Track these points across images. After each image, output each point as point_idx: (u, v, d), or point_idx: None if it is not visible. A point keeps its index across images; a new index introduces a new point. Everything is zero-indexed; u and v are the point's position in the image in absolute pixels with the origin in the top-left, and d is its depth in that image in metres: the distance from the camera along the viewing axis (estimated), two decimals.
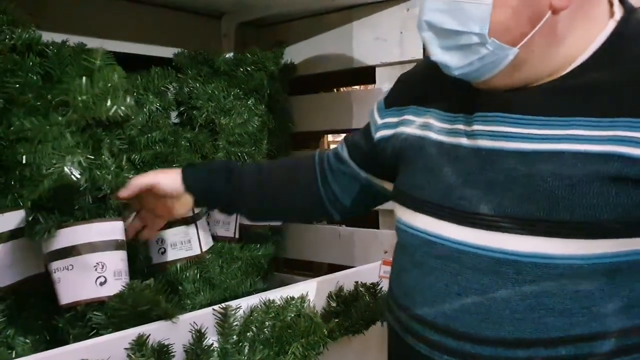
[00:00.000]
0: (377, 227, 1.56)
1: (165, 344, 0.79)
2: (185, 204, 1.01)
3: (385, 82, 1.51)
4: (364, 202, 1.01)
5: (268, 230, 1.64)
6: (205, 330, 0.87)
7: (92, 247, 0.98)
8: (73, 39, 1.18)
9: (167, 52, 1.53)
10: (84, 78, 1.01)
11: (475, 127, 0.73)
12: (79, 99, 1.00)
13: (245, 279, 1.56)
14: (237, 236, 1.58)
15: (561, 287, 0.65)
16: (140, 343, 0.76)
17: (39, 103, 1.01)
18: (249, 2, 1.54)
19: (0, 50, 1.01)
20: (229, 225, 1.57)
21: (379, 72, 1.52)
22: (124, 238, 1.02)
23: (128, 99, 1.01)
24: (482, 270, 0.68)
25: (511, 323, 0.66)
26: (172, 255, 1.40)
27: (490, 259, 0.68)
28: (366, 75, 1.56)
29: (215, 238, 1.52)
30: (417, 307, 0.74)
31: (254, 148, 1.59)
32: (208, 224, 1.52)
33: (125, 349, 0.76)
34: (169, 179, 0.98)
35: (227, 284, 1.49)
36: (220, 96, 1.51)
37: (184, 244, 1.42)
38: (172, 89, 1.42)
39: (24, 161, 0.96)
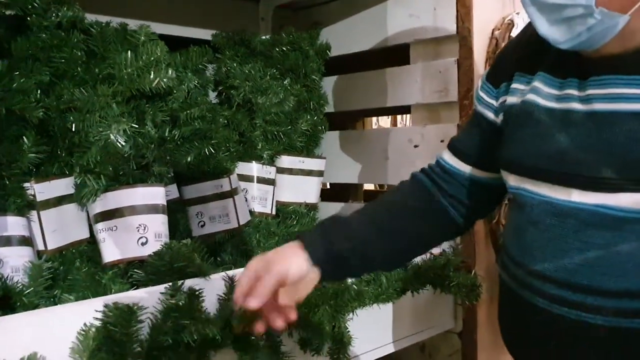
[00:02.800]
0: None
1: (196, 289, 0.83)
2: (310, 282, 0.81)
3: (419, 59, 1.52)
4: (487, 199, 0.96)
5: (304, 207, 1.67)
6: (237, 282, 0.91)
7: (135, 210, 1.04)
8: (115, 21, 1.25)
9: (206, 34, 1.59)
10: (129, 52, 1.07)
11: (590, 91, 0.72)
12: (124, 71, 1.07)
13: None
14: (273, 212, 1.62)
15: None
16: (175, 289, 0.81)
17: (86, 76, 1.07)
18: None
19: (47, 26, 1.08)
20: (266, 202, 1.61)
21: (413, 49, 1.53)
22: (165, 203, 1.07)
23: (170, 72, 1.07)
24: (604, 227, 0.70)
25: (636, 275, 0.68)
26: (210, 228, 1.45)
27: (613, 217, 0.69)
28: (400, 53, 1.57)
29: (252, 213, 1.57)
30: (536, 263, 0.75)
31: (290, 127, 1.63)
32: (246, 199, 1.56)
33: (161, 293, 0.81)
34: (294, 263, 0.78)
35: None
36: (257, 76, 1.55)
37: (222, 217, 1.47)
38: (210, 68, 1.47)
39: (73, 129, 1.04)
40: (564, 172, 0.73)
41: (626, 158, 0.68)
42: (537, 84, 0.79)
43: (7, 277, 0.94)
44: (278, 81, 1.59)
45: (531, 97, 0.78)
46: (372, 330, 1.20)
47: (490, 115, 0.88)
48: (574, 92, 0.74)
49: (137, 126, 1.07)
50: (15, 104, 0.94)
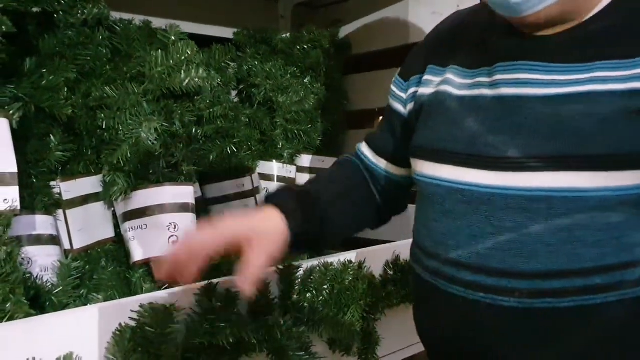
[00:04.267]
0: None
1: (233, 290, 0.82)
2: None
3: None
4: (402, 197, 1.03)
5: None
6: (269, 284, 0.90)
7: (166, 209, 1.03)
8: (138, 19, 1.24)
9: (226, 32, 1.58)
10: (159, 51, 1.06)
11: (497, 76, 0.75)
12: (155, 70, 1.06)
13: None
14: None
15: (592, 219, 0.67)
16: (208, 289, 0.80)
17: (115, 74, 1.07)
18: None
19: (73, 24, 1.07)
20: None
21: None
22: (194, 202, 1.06)
23: (201, 71, 1.06)
24: (514, 209, 0.70)
25: (545, 256, 0.68)
26: None
27: (521, 198, 0.70)
28: None
29: None
30: (450, 252, 0.76)
31: (310, 126, 1.61)
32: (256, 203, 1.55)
33: (194, 294, 0.79)
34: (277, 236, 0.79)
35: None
36: (278, 74, 1.54)
37: None
38: (232, 65, 1.46)
39: (103, 126, 1.03)
40: (471, 154, 0.74)
41: (531, 138, 0.69)
42: (449, 75, 0.81)
43: (37, 276, 0.93)
44: (298, 79, 1.58)
45: (443, 87, 0.81)
46: (399, 330, 1.19)
47: (399, 107, 0.92)
48: (484, 79, 0.76)
49: (167, 125, 1.06)
50: (44, 102, 0.93)
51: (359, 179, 0.98)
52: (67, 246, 1.07)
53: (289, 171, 1.60)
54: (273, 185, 1.57)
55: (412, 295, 0.91)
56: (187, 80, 1.06)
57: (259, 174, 1.52)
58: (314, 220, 0.86)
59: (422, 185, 0.82)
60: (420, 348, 1.27)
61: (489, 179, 0.72)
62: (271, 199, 0.85)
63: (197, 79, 1.07)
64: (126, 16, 1.23)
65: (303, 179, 1.63)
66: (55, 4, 1.00)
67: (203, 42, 1.47)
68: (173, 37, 1.10)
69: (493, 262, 0.71)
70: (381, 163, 0.97)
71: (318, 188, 0.92)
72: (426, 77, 0.85)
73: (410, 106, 0.88)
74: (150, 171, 1.05)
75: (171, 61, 1.07)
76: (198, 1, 1.55)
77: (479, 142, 0.74)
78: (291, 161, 1.60)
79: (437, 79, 0.83)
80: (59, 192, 1.07)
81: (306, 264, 1.02)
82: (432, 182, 0.79)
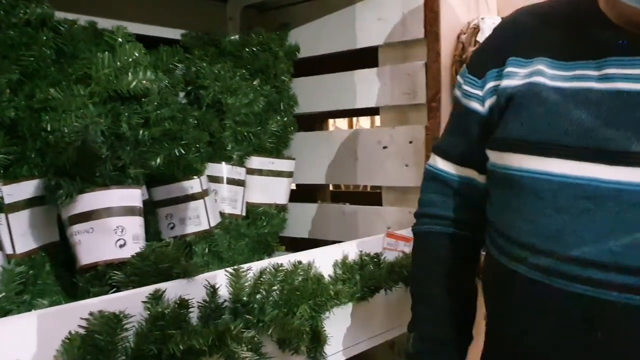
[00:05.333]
0: (380, 205, 1.60)
1: (186, 298, 0.82)
2: None
3: (387, 62, 1.55)
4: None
5: (274, 208, 1.68)
6: (218, 288, 0.91)
7: (112, 212, 1.02)
8: (83, 19, 1.22)
9: (175, 33, 1.57)
10: (106, 53, 1.05)
11: (610, 70, 0.74)
12: (101, 72, 1.04)
13: (252, 256, 1.60)
14: (243, 213, 1.62)
15: None
16: (156, 297, 0.80)
17: (60, 76, 1.05)
18: None
19: (15, 23, 1.05)
20: (236, 203, 1.61)
21: (381, 52, 1.56)
22: (142, 205, 1.06)
23: (148, 73, 1.05)
24: None
25: None
26: (181, 229, 1.44)
27: None
28: (369, 56, 1.59)
29: (222, 215, 1.56)
30: (570, 249, 0.72)
31: (259, 128, 1.63)
32: (215, 200, 1.55)
33: (143, 302, 0.80)
34: None
35: (234, 259, 1.52)
36: (227, 76, 1.54)
37: (193, 219, 1.45)
38: (180, 67, 1.45)
39: (49, 128, 1.01)
40: (589, 147, 0.72)
41: None
42: (539, 67, 0.79)
43: None
44: (248, 82, 1.59)
45: (536, 78, 0.79)
46: (346, 329, 1.22)
47: (476, 106, 0.88)
48: (589, 72, 0.75)
49: (114, 127, 1.05)
50: None
51: (459, 256, 0.94)
52: (9, 251, 1.05)
53: (239, 173, 1.60)
54: (222, 188, 1.57)
55: (494, 292, 0.87)
56: (134, 83, 1.06)
57: (208, 176, 1.52)
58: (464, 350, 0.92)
59: (522, 180, 0.78)
60: (365, 346, 1.31)
61: (613, 174, 0.70)
62: None
63: (144, 81, 1.06)
64: (71, 16, 1.21)
65: (253, 181, 1.64)
66: None
67: (150, 43, 1.45)
68: (120, 39, 1.09)
69: (630, 260, 0.69)
70: (470, 174, 0.93)
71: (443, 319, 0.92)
72: (508, 69, 0.82)
73: (490, 102, 0.85)
74: (97, 174, 1.04)
75: (118, 63, 1.06)
76: (145, 2, 1.54)
77: (595, 136, 0.71)
78: (241, 163, 1.61)
79: (524, 71, 0.81)
80: (0, 195, 1.04)
81: (256, 265, 1.04)
82: (538, 177, 0.76)
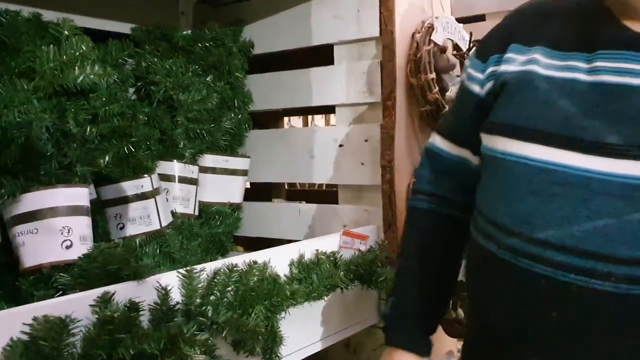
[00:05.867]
0: (336, 203, 1.59)
1: (136, 301, 0.79)
2: None
3: (343, 60, 1.54)
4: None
5: (228, 207, 1.65)
6: (170, 290, 0.88)
7: (58, 212, 0.98)
8: (27, 11, 1.16)
9: (125, 27, 1.52)
10: (51, 46, 1.00)
11: (598, 63, 0.76)
12: (47, 66, 1.00)
13: (206, 256, 1.57)
14: (196, 213, 1.59)
15: None
16: (105, 300, 0.76)
17: (2, 69, 0.99)
18: None
19: None
20: (188, 202, 1.57)
21: (337, 50, 1.55)
22: (89, 205, 1.02)
23: (96, 68, 1.01)
24: (615, 195, 0.71)
25: None
26: (131, 230, 1.39)
27: (623, 185, 0.71)
28: (325, 54, 1.58)
29: (174, 214, 1.52)
30: (537, 231, 0.75)
31: (213, 125, 1.59)
32: (167, 200, 1.51)
33: (90, 305, 0.76)
34: None
35: (187, 259, 1.49)
36: (179, 72, 1.51)
37: (143, 219, 1.41)
38: (129, 62, 1.40)
39: None
40: (565, 136, 0.75)
41: (634, 126, 0.72)
42: (536, 55, 0.82)
43: None
44: (200, 78, 1.56)
45: (531, 66, 0.82)
46: (301, 328, 1.21)
47: (475, 88, 0.91)
48: (580, 64, 0.78)
49: (59, 123, 1.00)
50: None
51: (441, 235, 0.98)
52: None
53: (191, 171, 1.56)
54: (174, 186, 1.53)
55: (472, 271, 0.90)
56: (81, 77, 1.02)
57: (159, 174, 1.48)
58: (433, 324, 0.98)
59: (503, 163, 0.81)
60: (321, 346, 1.30)
61: (585, 163, 0.73)
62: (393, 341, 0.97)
63: (92, 76, 1.02)
64: (13, 7, 1.15)
65: (206, 179, 1.61)
66: None
67: (98, 37, 1.40)
68: (66, 32, 1.04)
69: (589, 245, 0.71)
70: (464, 154, 0.96)
71: (419, 284, 0.97)
72: (508, 55, 0.85)
73: (488, 85, 0.88)
74: (42, 172, 0.99)
75: (64, 57, 1.02)
76: None
77: (574, 125, 0.74)
78: (193, 161, 1.57)
79: (522, 58, 0.83)
80: None
81: (209, 266, 1.01)
82: (517, 161, 0.78)
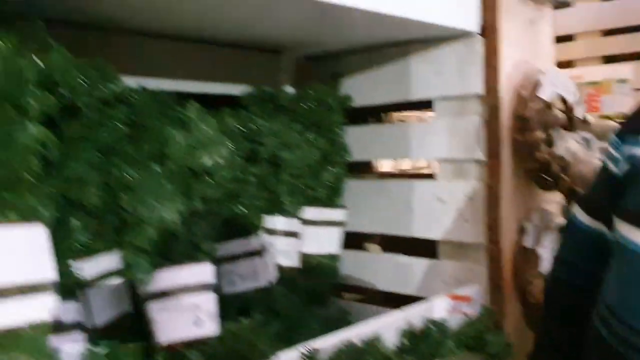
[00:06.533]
0: (435, 256, 1.59)
1: None
2: None
3: (444, 115, 1.54)
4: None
5: (327, 258, 1.68)
6: None
7: (188, 289, 1.04)
8: (142, 82, 1.23)
9: (232, 88, 1.59)
10: (180, 131, 1.07)
11: None
12: (176, 150, 1.06)
13: (308, 306, 1.60)
14: (299, 265, 1.63)
15: None
16: None
17: (135, 153, 1.07)
18: (308, 40, 1.58)
19: (93, 104, 1.07)
20: (291, 255, 1.62)
21: (437, 105, 1.56)
22: (215, 281, 1.07)
23: (223, 151, 1.06)
24: None
25: None
26: (241, 285, 1.45)
27: None
28: (424, 104, 1.59)
29: (279, 268, 1.57)
30: None
31: (313, 179, 1.63)
32: (272, 254, 1.56)
33: None
34: None
35: (291, 311, 1.53)
36: (283, 131, 1.56)
37: (252, 275, 1.47)
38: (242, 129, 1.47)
39: (126, 208, 1.02)
40: None
41: None
42: None
43: None
44: (303, 135, 1.60)
45: None
46: None
47: (613, 167, 0.91)
48: None
49: (187, 204, 1.07)
50: (73, 194, 0.93)
51: (570, 307, 0.99)
52: (89, 325, 1.07)
53: (294, 225, 1.61)
54: (278, 240, 1.58)
55: (585, 347, 0.91)
56: (208, 161, 1.08)
57: (264, 228, 1.53)
58: None
59: (627, 250, 0.81)
60: None
61: None
62: None
63: (218, 159, 1.08)
64: (130, 80, 1.22)
65: (308, 232, 1.65)
66: (74, 86, 0.99)
67: (203, 97, 1.48)
68: (193, 116, 1.11)
69: None
70: (599, 226, 0.97)
71: None
72: None
73: (625, 167, 0.87)
74: (173, 251, 1.06)
75: (193, 141, 1.08)
76: (198, 57, 1.55)
77: None
78: (295, 215, 1.62)
79: None
80: (78, 271, 1.06)
81: (325, 342, 1.04)
82: (635, 249, 0.78)
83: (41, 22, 0.86)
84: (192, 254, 1.07)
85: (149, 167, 1.06)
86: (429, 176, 1.60)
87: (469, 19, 1.40)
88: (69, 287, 1.02)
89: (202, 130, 1.09)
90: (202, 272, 1.07)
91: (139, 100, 1.19)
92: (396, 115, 1.96)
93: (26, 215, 0.75)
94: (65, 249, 1.02)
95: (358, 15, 1.14)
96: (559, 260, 1.06)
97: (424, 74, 1.57)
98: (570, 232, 1.05)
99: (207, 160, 1.07)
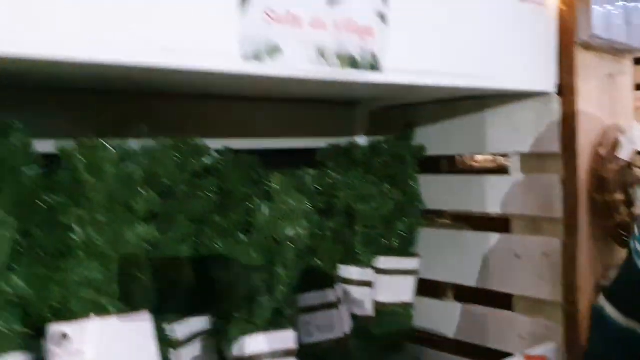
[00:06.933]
0: (510, 308, 1.59)
1: None
2: None
3: (519, 171, 1.54)
4: None
5: (401, 307, 1.71)
6: None
7: (270, 355, 1.10)
8: (221, 143, 1.31)
9: (306, 142, 1.66)
10: (265, 202, 1.14)
11: None
12: (262, 220, 1.13)
13: (383, 354, 1.64)
14: (373, 314, 1.67)
15: None
16: None
17: (225, 223, 1.15)
18: (385, 96, 1.63)
19: (185, 178, 1.16)
20: (365, 304, 1.66)
21: (513, 160, 1.56)
22: (297, 347, 1.14)
23: (305, 223, 1.12)
24: None
25: None
26: (318, 336, 1.51)
27: None
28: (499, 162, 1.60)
29: (354, 317, 1.62)
30: None
31: (387, 230, 1.67)
32: (347, 303, 1.61)
33: None
34: None
35: None
36: (358, 184, 1.61)
37: (328, 326, 1.52)
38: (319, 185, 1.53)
39: (215, 277, 1.10)
40: None
41: None
42: None
43: None
44: (377, 187, 1.64)
45: None
46: None
47: (638, 262, 0.90)
48: None
49: (272, 271, 1.13)
50: (170, 273, 1.02)
51: None
52: None
53: (368, 275, 1.65)
54: (352, 290, 1.63)
55: None
56: (292, 232, 1.14)
57: (339, 278, 1.59)
58: None
59: None
60: None
61: None
62: None
63: (301, 230, 1.14)
64: (211, 142, 1.29)
65: (382, 280, 1.69)
66: (176, 174, 1.08)
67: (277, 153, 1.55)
68: (278, 187, 1.18)
69: None
70: (631, 325, 0.95)
71: None
72: None
73: None
74: (258, 317, 1.12)
75: (277, 213, 1.15)
76: (273, 113, 1.63)
77: None
78: (369, 265, 1.66)
79: None
80: (171, 333, 1.15)
81: None
82: None
83: (144, 126, 0.94)
84: (275, 320, 1.14)
85: (236, 236, 1.14)
86: (504, 227, 1.59)
87: (547, 82, 1.40)
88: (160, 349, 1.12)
89: (286, 202, 1.15)
90: (286, 338, 1.13)
91: (225, 166, 1.27)
92: (471, 158, 1.97)
93: (132, 307, 0.83)
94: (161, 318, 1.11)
95: (435, 90, 1.18)
96: (590, 356, 1.03)
97: (500, 129, 1.58)
98: (600, 327, 1.00)
99: (290, 232, 1.13)
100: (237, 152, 1.38)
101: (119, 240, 0.81)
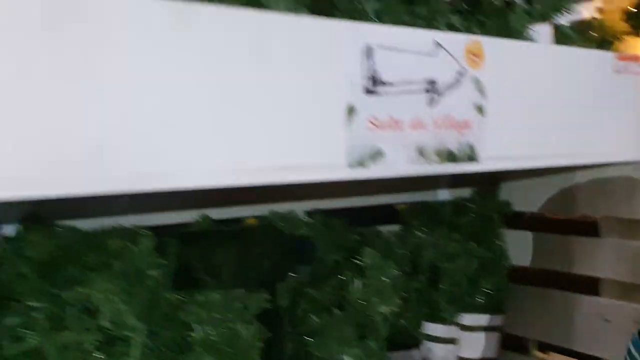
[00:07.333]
0: None
1: None
2: None
3: (610, 235, 1.51)
4: None
5: None
6: None
7: None
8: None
9: (389, 199, 1.70)
10: (358, 277, 1.18)
11: None
12: (355, 296, 1.18)
13: None
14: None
15: None
16: None
17: (321, 297, 1.20)
18: None
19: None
20: None
21: (603, 223, 1.53)
22: None
23: (397, 300, 1.16)
24: None
25: None
26: None
27: None
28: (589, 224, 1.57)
29: None
30: None
31: (472, 287, 1.68)
32: None
33: None
34: None
35: None
36: (443, 243, 1.63)
37: None
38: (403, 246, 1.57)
39: (314, 352, 1.16)
40: None
41: None
42: None
43: None
44: (462, 245, 1.66)
45: None
46: None
47: None
48: None
49: (364, 346, 1.17)
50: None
51: None
52: None
53: (452, 332, 1.67)
54: (436, 347, 1.65)
55: None
56: (384, 309, 1.18)
57: (423, 334, 1.61)
58: None
59: None
60: None
61: None
62: None
63: (392, 306, 1.18)
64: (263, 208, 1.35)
65: (466, 337, 1.70)
66: None
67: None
68: (370, 262, 1.22)
69: None
70: None
71: None
72: None
73: None
74: None
75: (370, 289, 1.19)
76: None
77: None
78: (453, 322, 1.67)
79: None
80: None
81: None
82: None
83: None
84: None
85: (333, 314, 1.19)
86: (594, 290, 1.57)
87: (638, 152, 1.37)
88: None
89: (378, 279, 1.19)
90: None
91: (317, 234, 1.33)
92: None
93: None
94: None
95: None
96: None
97: (589, 192, 1.55)
98: None
99: (383, 309, 1.17)
100: (325, 214, 1.44)
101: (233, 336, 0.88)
